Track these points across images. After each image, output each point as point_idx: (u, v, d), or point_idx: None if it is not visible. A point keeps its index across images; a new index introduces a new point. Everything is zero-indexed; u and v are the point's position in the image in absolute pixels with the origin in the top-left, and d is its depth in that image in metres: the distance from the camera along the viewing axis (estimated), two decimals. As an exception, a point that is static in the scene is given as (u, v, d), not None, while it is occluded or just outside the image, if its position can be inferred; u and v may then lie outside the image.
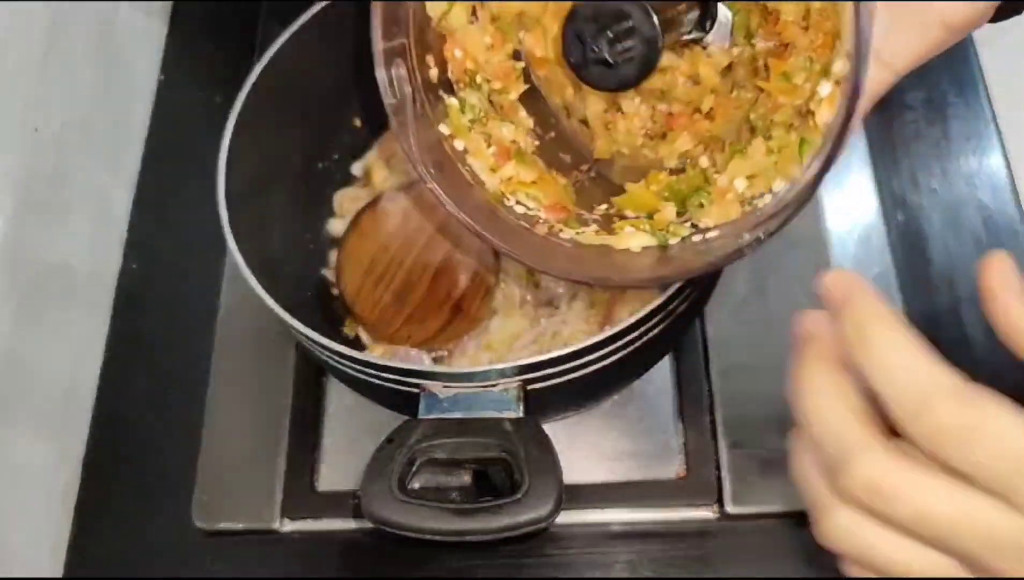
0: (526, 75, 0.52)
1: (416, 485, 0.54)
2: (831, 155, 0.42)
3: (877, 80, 0.43)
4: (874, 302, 0.33)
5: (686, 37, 0.50)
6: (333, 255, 0.72)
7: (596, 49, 0.45)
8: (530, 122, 0.53)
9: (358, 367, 0.56)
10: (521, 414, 0.54)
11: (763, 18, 0.49)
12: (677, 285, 0.53)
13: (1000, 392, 0.32)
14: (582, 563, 0.64)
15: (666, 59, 0.50)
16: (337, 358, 0.56)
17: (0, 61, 0.66)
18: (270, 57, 0.64)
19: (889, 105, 0.79)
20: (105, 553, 0.68)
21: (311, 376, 0.70)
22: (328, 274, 0.71)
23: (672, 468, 0.66)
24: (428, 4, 0.50)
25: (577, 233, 0.50)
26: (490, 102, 0.51)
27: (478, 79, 0.51)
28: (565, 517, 0.63)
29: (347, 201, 0.73)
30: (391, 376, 0.55)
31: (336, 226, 0.73)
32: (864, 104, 0.41)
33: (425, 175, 0.47)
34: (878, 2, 0.40)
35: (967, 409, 0.31)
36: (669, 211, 0.50)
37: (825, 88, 0.45)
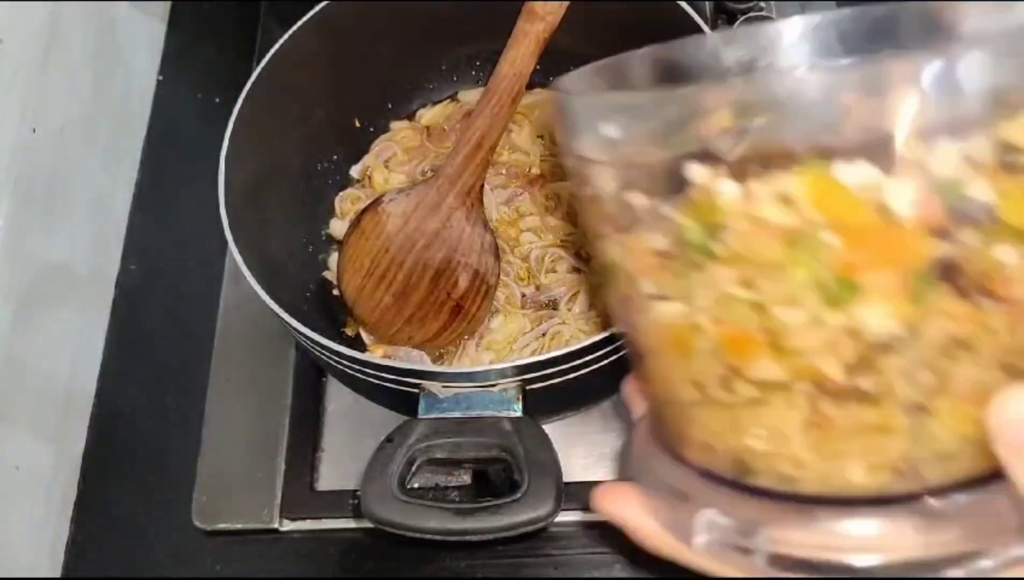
0: None
1: (416, 485, 0.54)
2: None
3: None
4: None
5: None
6: (333, 256, 0.72)
7: None
8: None
9: (358, 367, 0.56)
10: (521, 414, 0.54)
11: None
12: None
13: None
14: (582, 563, 0.64)
15: None
16: (337, 358, 0.56)
17: (0, 61, 0.66)
18: (270, 57, 0.64)
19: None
20: (104, 553, 0.68)
21: (311, 376, 0.70)
22: (329, 275, 0.71)
23: (672, 468, 0.66)
24: None
25: None
26: None
27: None
28: (565, 517, 0.63)
29: (348, 202, 0.73)
30: (391, 376, 0.55)
31: (337, 227, 0.73)
32: None
33: None
34: None
35: None
36: None
37: None
